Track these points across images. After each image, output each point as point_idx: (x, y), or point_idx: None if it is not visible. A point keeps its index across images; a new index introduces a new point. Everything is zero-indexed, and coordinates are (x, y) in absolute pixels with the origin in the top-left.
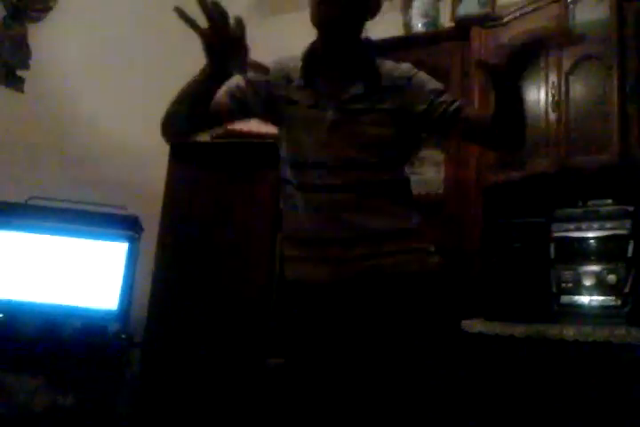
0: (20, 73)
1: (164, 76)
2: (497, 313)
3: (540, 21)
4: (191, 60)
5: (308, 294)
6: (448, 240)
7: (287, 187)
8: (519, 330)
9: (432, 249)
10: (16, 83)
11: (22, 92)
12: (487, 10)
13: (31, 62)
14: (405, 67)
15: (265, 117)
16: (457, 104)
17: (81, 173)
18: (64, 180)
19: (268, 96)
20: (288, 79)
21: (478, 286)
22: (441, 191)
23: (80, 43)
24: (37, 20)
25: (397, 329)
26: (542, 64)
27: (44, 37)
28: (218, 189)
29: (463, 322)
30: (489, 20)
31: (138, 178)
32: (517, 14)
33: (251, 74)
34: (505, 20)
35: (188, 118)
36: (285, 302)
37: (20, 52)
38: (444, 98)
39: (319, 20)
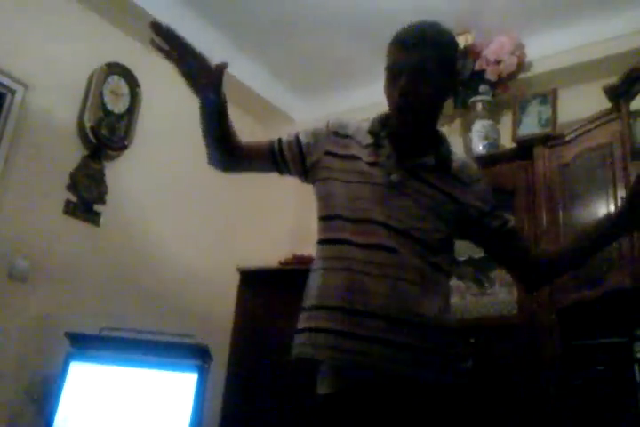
0: (96, 208)
1: (227, 209)
2: None
3: (602, 138)
4: (247, 191)
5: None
6: (523, 363)
7: (337, 247)
8: None
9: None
10: (92, 217)
11: (98, 225)
12: (548, 129)
13: (107, 197)
14: (475, 168)
15: (301, 174)
16: (512, 224)
17: (150, 303)
18: (134, 310)
19: (320, 150)
20: (350, 137)
21: (557, 414)
22: (515, 312)
23: (151, 178)
24: (113, 158)
25: None
26: (610, 178)
27: (120, 174)
28: (287, 316)
29: None
30: (551, 139)
31: (205, 306)
32: (580, 132)
33: (313, 128)
34: (567, 138)
35: (215, 147)
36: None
37: (98, 188)
38: (500, 213)
39: (399, 109)
